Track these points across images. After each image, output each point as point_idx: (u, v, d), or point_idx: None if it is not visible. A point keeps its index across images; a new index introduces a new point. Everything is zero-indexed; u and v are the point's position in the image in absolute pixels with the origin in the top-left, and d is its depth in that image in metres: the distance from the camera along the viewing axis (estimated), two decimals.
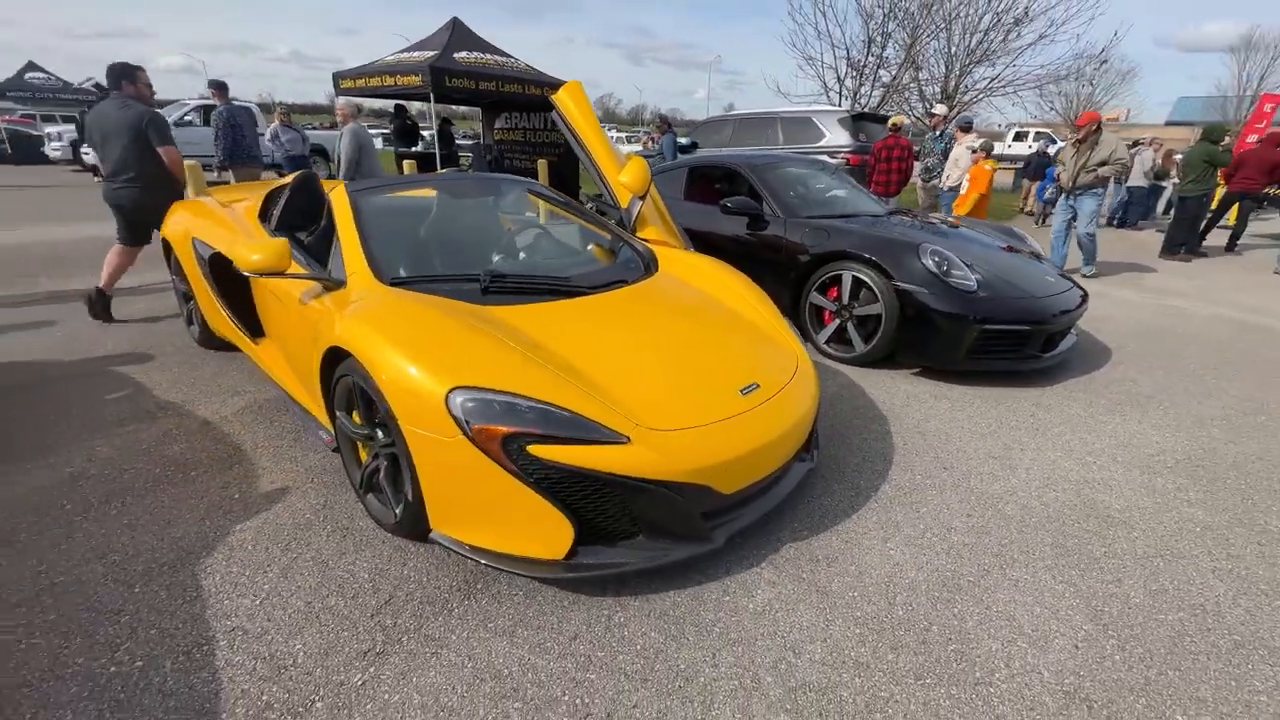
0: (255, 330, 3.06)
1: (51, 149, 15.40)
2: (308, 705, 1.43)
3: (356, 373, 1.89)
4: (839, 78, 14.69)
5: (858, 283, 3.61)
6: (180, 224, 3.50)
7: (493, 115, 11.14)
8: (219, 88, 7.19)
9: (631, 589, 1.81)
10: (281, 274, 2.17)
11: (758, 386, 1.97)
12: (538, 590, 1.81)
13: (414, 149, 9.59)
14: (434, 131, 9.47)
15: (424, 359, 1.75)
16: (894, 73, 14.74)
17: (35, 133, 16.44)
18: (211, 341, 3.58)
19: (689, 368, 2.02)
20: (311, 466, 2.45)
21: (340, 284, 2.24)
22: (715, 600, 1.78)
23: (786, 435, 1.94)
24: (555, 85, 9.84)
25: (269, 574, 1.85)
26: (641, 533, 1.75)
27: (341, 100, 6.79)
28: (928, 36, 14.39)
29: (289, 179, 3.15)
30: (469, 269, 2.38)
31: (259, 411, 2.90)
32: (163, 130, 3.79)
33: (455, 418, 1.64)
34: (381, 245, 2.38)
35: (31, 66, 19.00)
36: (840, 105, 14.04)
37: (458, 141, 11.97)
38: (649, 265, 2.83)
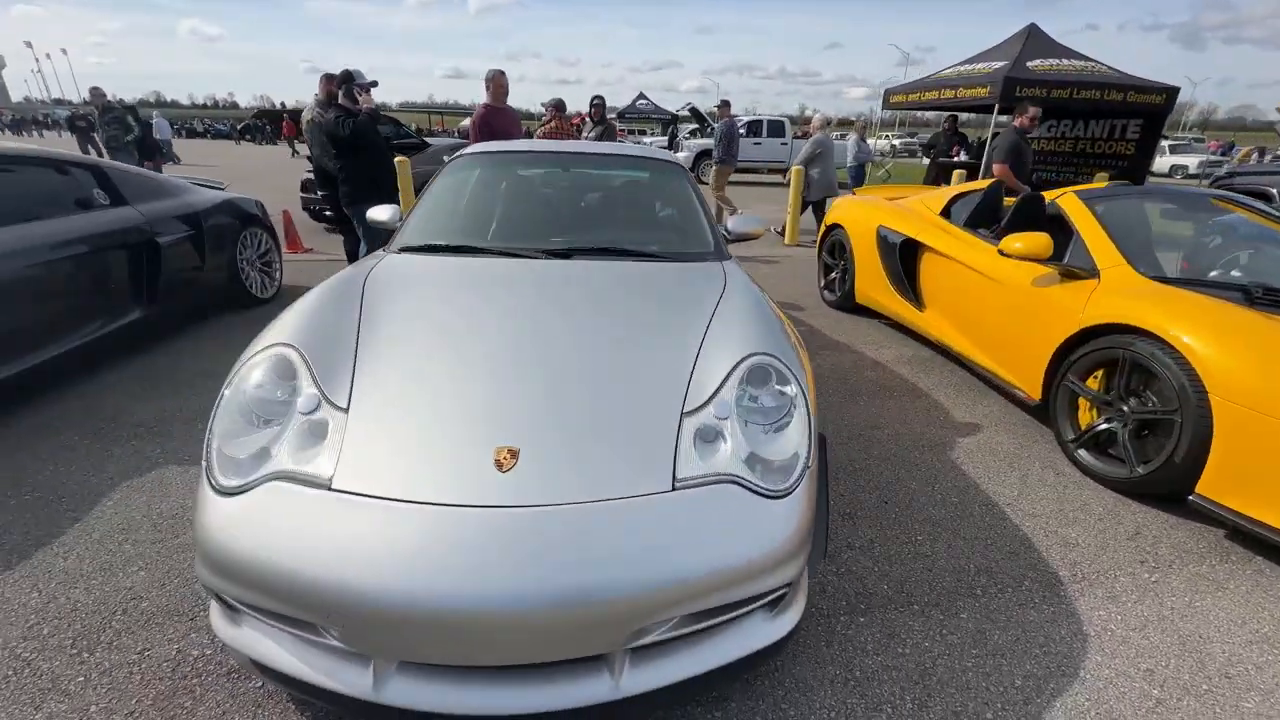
0: (919, 302, 3.91)
1: None
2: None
3: (1137, 348, 2.30)
4: None
5: None
6: (855, 214, 4.67)
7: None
8: (723, 105, 9.28)
9: None
10: (1041, 260, 2.77)
11: None
12: None
13: (960, 160, 9.83)
14: (986, 140, 9.45)
15: (1252, 348, 2.02)
16: None
17: None
18: (848, 305, 4.71)
19: None
20: (991, 412, 3.07)
21: (1094, 273, 2.68)
22: None
23: None
24: (1147, 88, 8.53)
25: (1009, 485, 2.48)
26: None
27: (817, 117, 8.68)
28: None
29: (980, 185, 3.84)
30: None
31: (918, 362, 3.74)
32: None
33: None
34: (1132, 245, 2.72)
35: (641, 96, 27.57)
36: None
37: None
38: None
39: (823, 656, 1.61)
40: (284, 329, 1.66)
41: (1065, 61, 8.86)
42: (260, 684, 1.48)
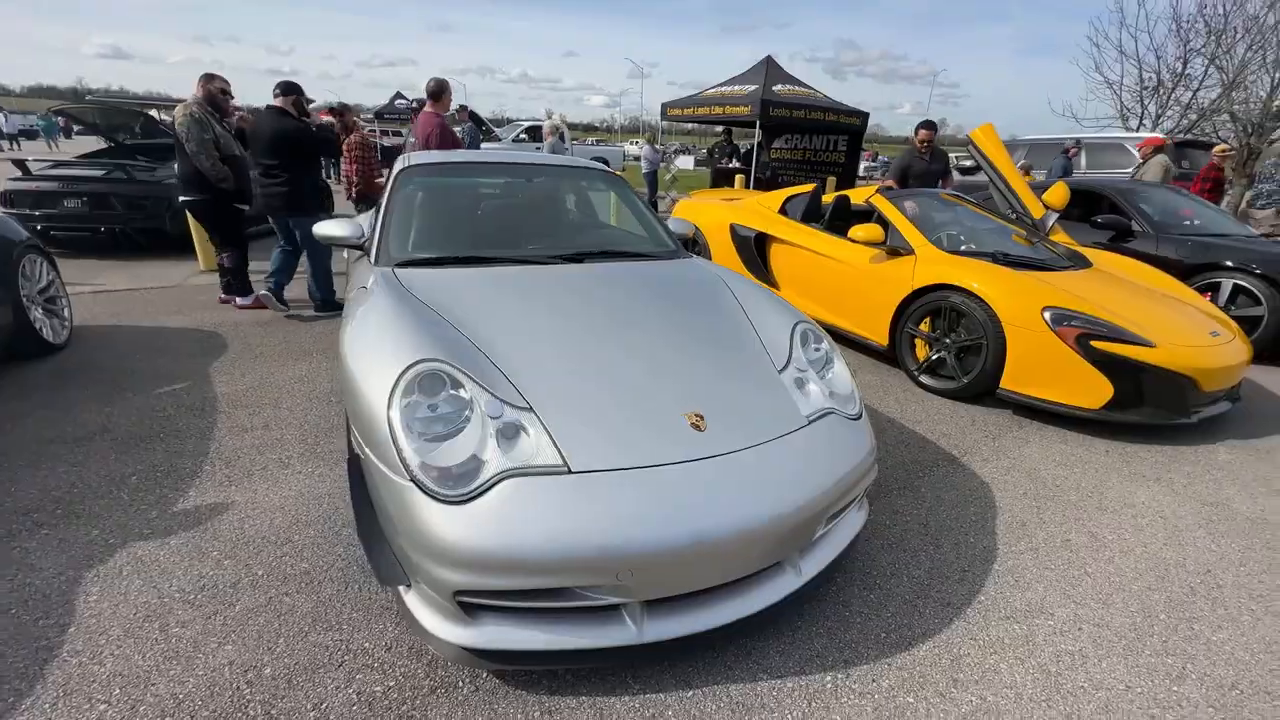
0: (774, 285, 4.85)
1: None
2: None
3: (951, 299, 3.40)
4: (1140, 101, 14.02)
5: (1237, 289, 4.41)
6: (705, 214, 5.48)
7: (772, 136, 12.85)
8: (461, 109, 9.35)
9: (1132, 436, 3.07)
10: (875, 244, 3.81)
11: (1219, 334, 3.13)
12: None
13: (734, 166, 11.58)
14: (754, 149, 11.32)
15: (1019, 291, 3.20)
16: (1197, 92, 13.65)
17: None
18: None
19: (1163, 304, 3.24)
20: (850, 360, 4.08)
21: (910, 252, 3.79)
22: None
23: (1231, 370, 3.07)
24: (850, 112, 11.23)
25: (889, 406, 3.44)
26: (1147, 404, 3.01)
27: (547, 125, 10.36)
28: (1253, 50, 13.12)
29: (806, 188, 4.92)
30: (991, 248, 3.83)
31: None
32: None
33: (1045, 321, 3.05)
34: (928, 230, 3.91)
35: (399, 95, 25.60)
36: (1138, 130, 13.43)
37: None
38: (1078, 259, 4.03)
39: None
40: (409, 348, 1.63)
41: (797, 87, 11.15)
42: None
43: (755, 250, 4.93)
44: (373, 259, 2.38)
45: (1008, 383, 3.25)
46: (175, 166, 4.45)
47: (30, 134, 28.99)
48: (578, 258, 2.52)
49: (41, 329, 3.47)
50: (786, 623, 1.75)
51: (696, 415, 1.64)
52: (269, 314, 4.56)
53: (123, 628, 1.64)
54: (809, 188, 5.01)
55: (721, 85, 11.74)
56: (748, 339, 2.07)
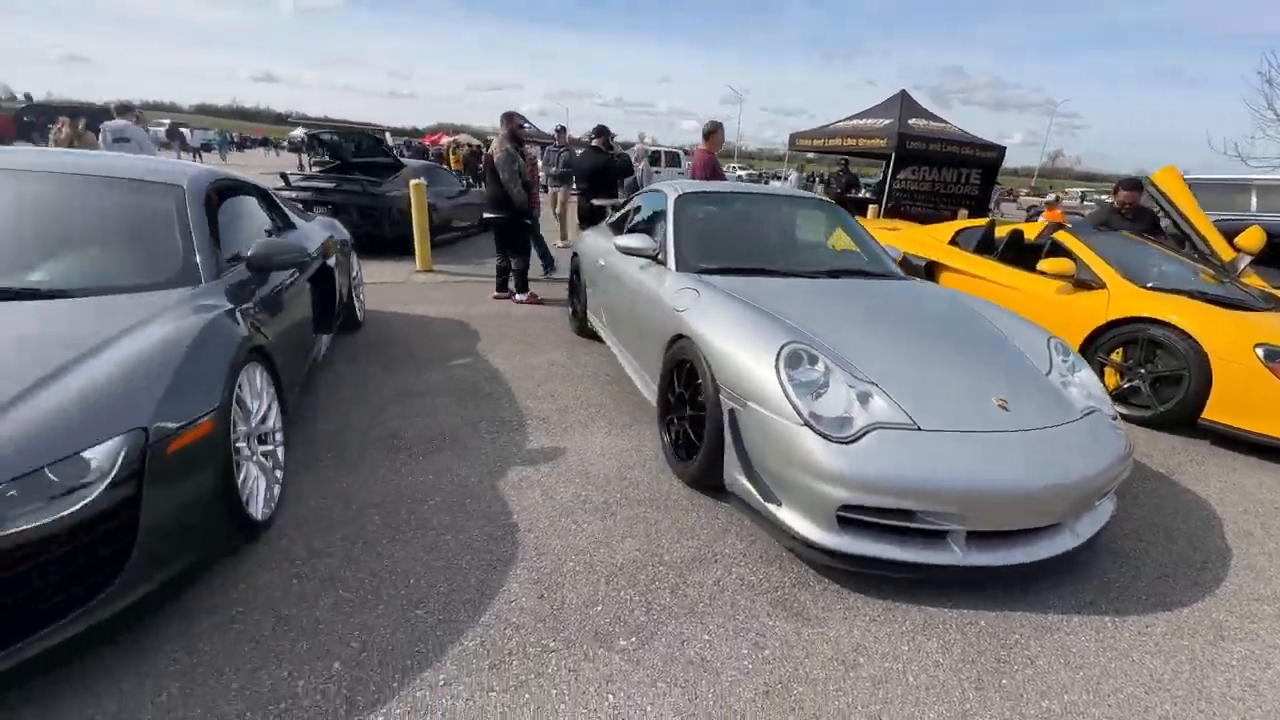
0: None
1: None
2: None
3: (1151, 332, 3.63)
4: None
5: None
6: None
7: (898, 167, 12.99)
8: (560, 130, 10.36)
9: None
10: (1064, 277, 4.09)
11: None
12: None
13: (864, 196, 11.89)
14: (886, 179, 11.56)
15: (1227, 327, 3.39)
16: None
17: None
18: None
19: None
20: None
21: (1101, 286, 4.03)
22: None
23: None
24: (986, 146, 11.24)
25: None
26: None
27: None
28: None
29: (980, 222, 5.22)
30: None
31: None
32: None
33: (1259, 357, 3.23)
34: (1120, 266, 4.13)
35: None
36: None
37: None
38: (1275, 301, 4.09)
39: None
40: (773, 334, 2.20)
41: (932, 121, 11.32)
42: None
43: (928, 278, 5.27)
44: (672, 265, 3.02)
45: (1213, 414, 3.42)
46: (454, 186, 5.43)
47: (207, 147, 33.65)
48: (834, 274, 3.05)
49: (357, 310, 4.42)
50: (1060, 578, 2.14)
51: (1001, 400, 2.09)
52: (515, 308, 5.52)
53: (548, 520, 2.29)
54: (981, 222, 5.31)
55: (854, 118, 12.10)
56: (1011, 347, 2.49)
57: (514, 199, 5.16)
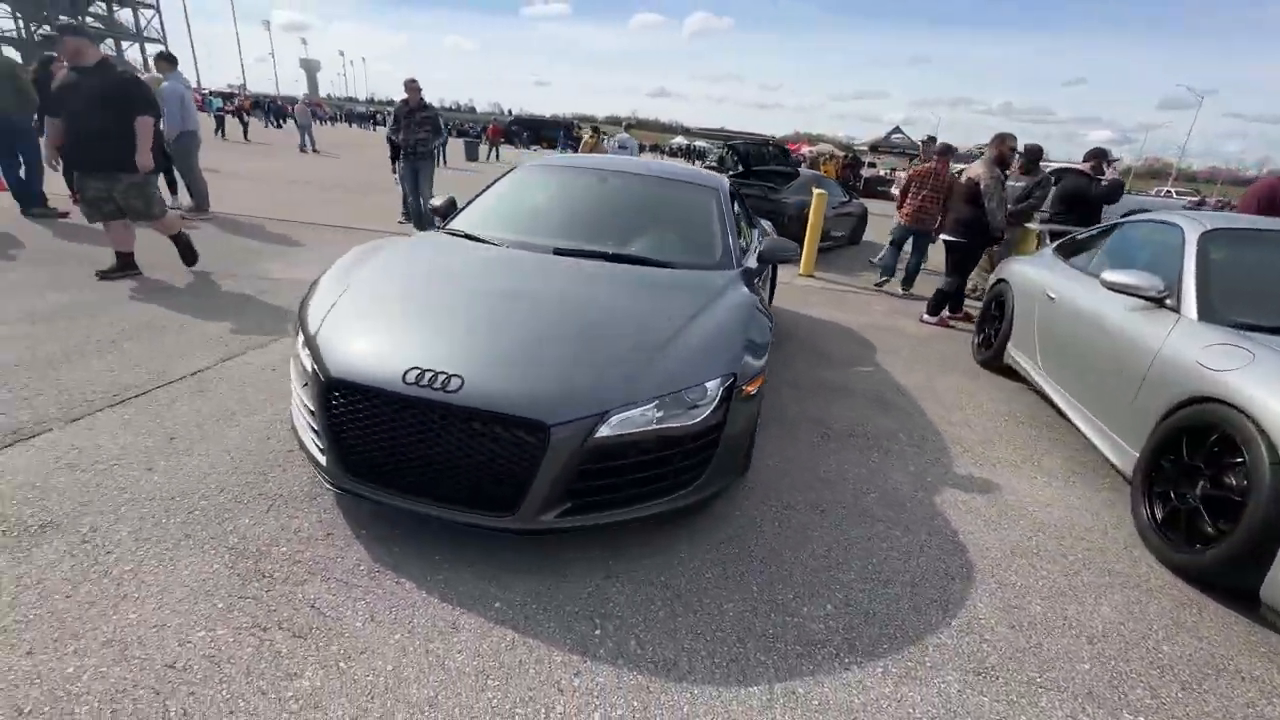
0: None
1: None
2: None
3: None
4: None
5: None
6: None
7: None
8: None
9: None
10: None
11: None
12: None
13: None
14: None
15: None
16: None
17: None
18: None
19: None
20: None
21: None
22: None
23: None
24: None
25: None
26: None
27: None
28: None
29: None
30: None
31: None
32: None
33: None
34: None
35: (897, 129, 26.54)
36: None
37: None
38: None
39: None
40: None
41: None
42: None
43: None
44: (1191, 314, 2.51)
45: None
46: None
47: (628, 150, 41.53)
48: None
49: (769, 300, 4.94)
50: None
51: None
52: (909, 325, 5.47)
53: (999, 553, 2.20)
54: None
55: None
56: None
57: (995, 228, 5.00)
